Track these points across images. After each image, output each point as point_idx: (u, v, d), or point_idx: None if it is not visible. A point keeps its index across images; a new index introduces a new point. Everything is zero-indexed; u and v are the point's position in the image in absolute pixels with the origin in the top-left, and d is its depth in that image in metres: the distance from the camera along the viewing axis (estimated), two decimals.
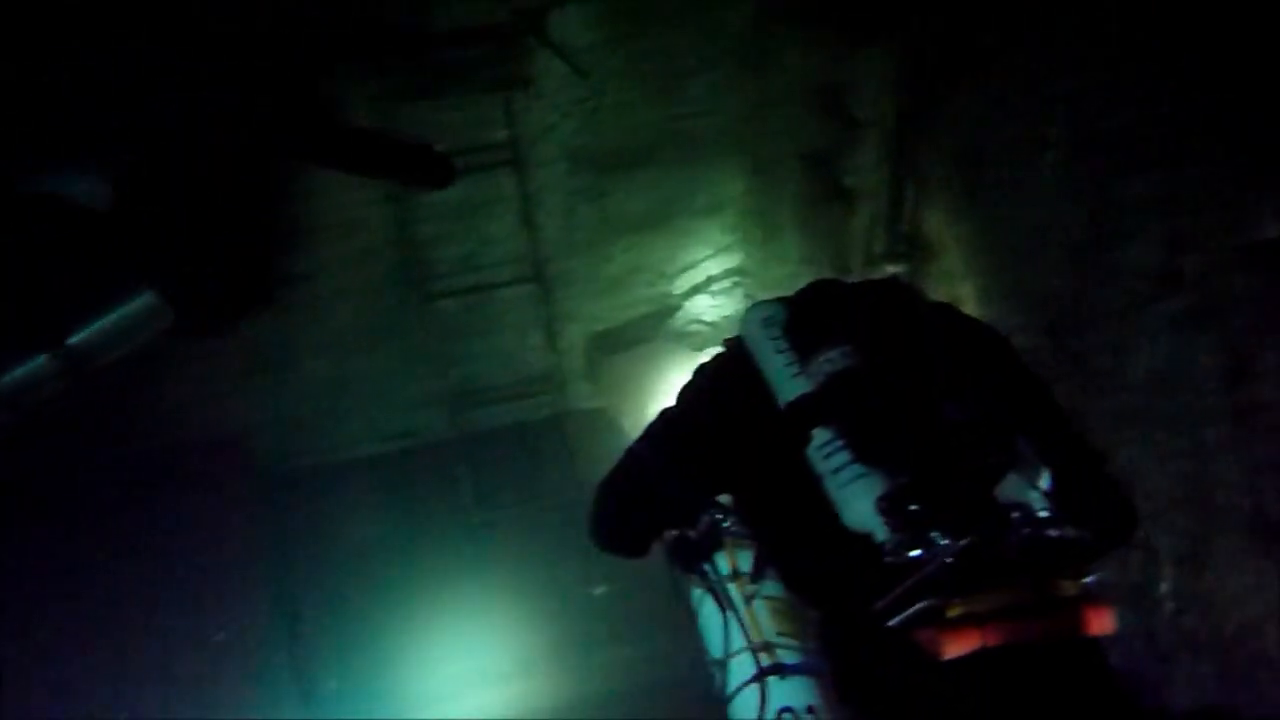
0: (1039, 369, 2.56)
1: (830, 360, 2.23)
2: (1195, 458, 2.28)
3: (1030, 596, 1.85)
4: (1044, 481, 1.91)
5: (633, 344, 5.81)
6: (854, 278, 2.70)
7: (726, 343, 2.48)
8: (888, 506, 2.01)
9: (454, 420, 5.36)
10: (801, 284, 2.47)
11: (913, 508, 1.97)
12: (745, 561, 2.50)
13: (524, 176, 4.88)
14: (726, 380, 2.48)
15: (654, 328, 5.80)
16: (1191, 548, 2.31)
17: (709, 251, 5.63)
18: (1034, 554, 1.84)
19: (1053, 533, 1.86)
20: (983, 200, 3.14)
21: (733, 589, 2.45)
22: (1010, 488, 1.91)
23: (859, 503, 2.04)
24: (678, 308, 5.75)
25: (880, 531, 1.98)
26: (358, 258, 4.81)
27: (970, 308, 3.29)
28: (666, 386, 2.99)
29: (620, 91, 4.90)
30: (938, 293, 3.52)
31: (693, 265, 5.65)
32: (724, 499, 2.48)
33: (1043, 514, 1.87)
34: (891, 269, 3.68)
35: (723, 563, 2.49)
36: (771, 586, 2.45)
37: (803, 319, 2.37)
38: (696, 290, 5.72)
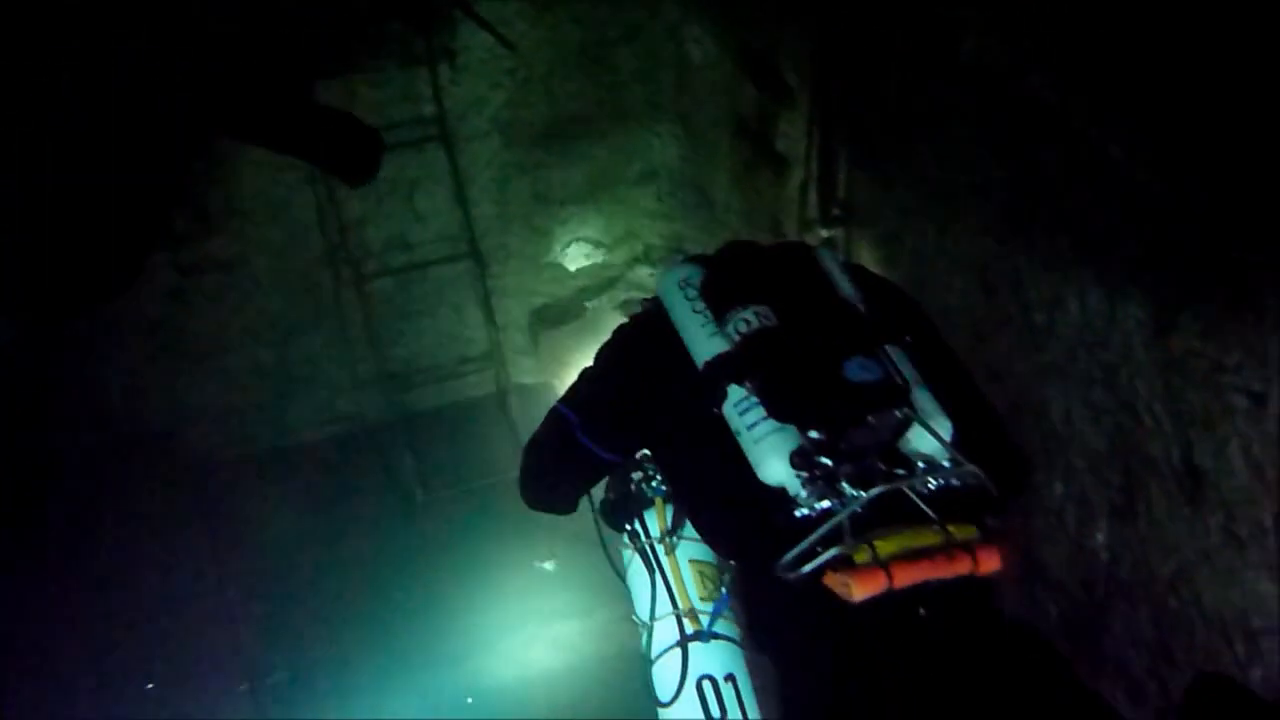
0: (977, 326, 2.60)
1: (745, 320, 2.32)
2: (1127, 411, 2.31)
3: (933, 540, 1.96)
4: (945, 433, 2.08)
5: (573, 316, 5.79)
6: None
7: (644, 304, 2.58)
8: (800, 461, 2.12)
9: (393, 402, 5.29)
10: None
11: (824, 461, 2.09)
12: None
13: (454, 151, 4.81)
14: (645, 340, 2.59)
15: (594, 299, 5.78)
16: (1126, 499, 2.35)
17: (646, 221, 5.62)
18: (937, 501, 1.98)
19: (954, 481, 2.01)
20: (914, 166, 3.15)
21: (661, 550, 2.51)
22: (915, 440, 2.08)
23: (773, 458, 2.14)
24: (618, 278, 5.73)
25: (793, 485, 2.10)
26: (287, 241, 4.71)
27: (905, 269, 3.31)
28: None
29: (549, 62, 4.85)
30: (874, 255, 3.53)
31: (630, 235, 5.63)
32: (646, 456, 2.58)
33: (945, 463, 2.04)
34: (826, 234, 3.67)
35: (652, 523, 2.55)
36: (700, 549, 2.52)
37: (719, 280, 2.43)
38: (635, 260, 5.71)
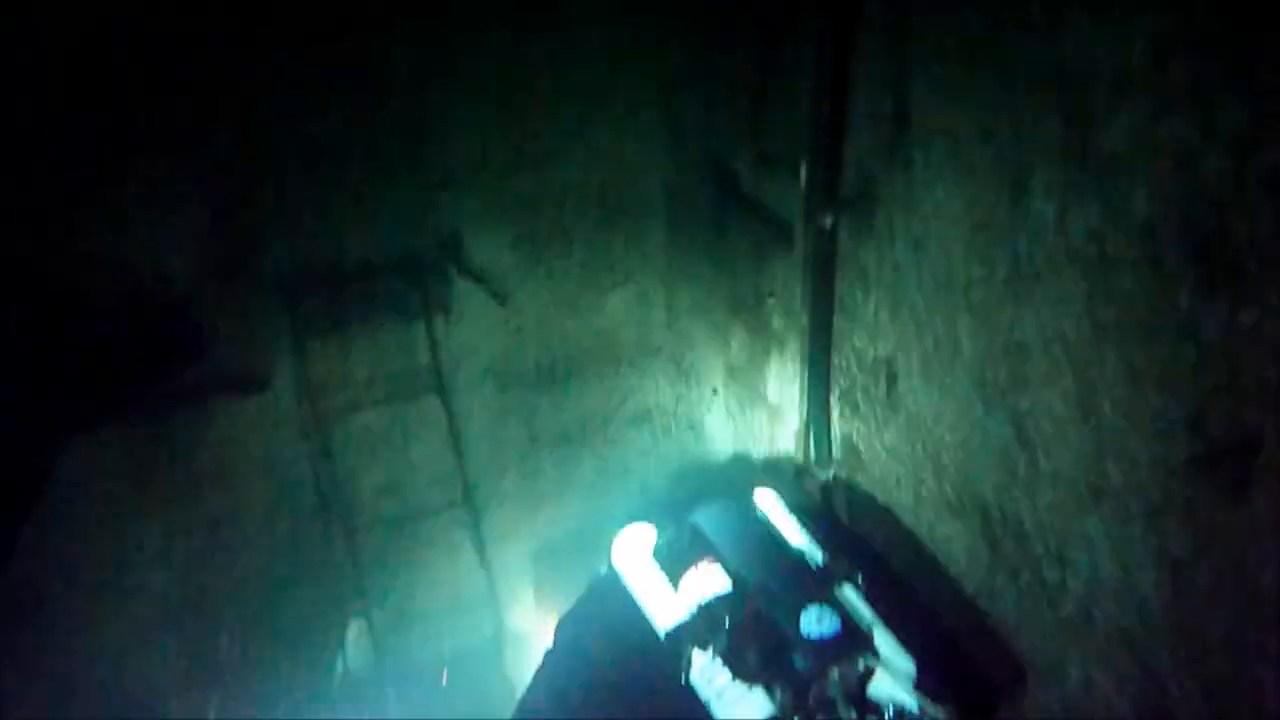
0: (984, 578, 2.50)
1: (701, 584, 2.43)
2: (1151, 677, 2.19)
3: None
4: (909, 673, 2.14)
5: (573, 555, 5.67)
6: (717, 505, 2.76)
7: (599, 572, 2.63)
8: None
9: (383, 651, 5.10)
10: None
11: None
12: None
13: (449, 399, 4.82)
14: (604, 612, 2.62)
15: (592, 539, 5.67)
16: None
17: (640, 461, 5.59)
18: None
19: None
20: (905, 408, 3.14)
21: None
22: (881, 683, 2.13)
23: None
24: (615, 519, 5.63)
25: None
26: (276, 496, 4.64)
27: (906, 514, 3.24)
28: None
29: (541, 311, 4.93)
30: (872, 498, 3.46)
31: (625, 473, 5.59)
32: None
33: (912, 707, 2.11)
34: (824, 476, 3.62)
35: None
36: None
37: (671, 545, 2.54)
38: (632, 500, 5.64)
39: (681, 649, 2.36)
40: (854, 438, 3.52)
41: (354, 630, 5.15)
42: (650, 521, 2.59)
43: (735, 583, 2.45)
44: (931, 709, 2.13)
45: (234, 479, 4.42)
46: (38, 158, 3.48)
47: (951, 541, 2.98)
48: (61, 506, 3.80)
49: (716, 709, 2.23)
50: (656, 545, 2.58)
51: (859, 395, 3.43)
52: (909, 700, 2.15)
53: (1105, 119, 2.07)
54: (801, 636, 2.31)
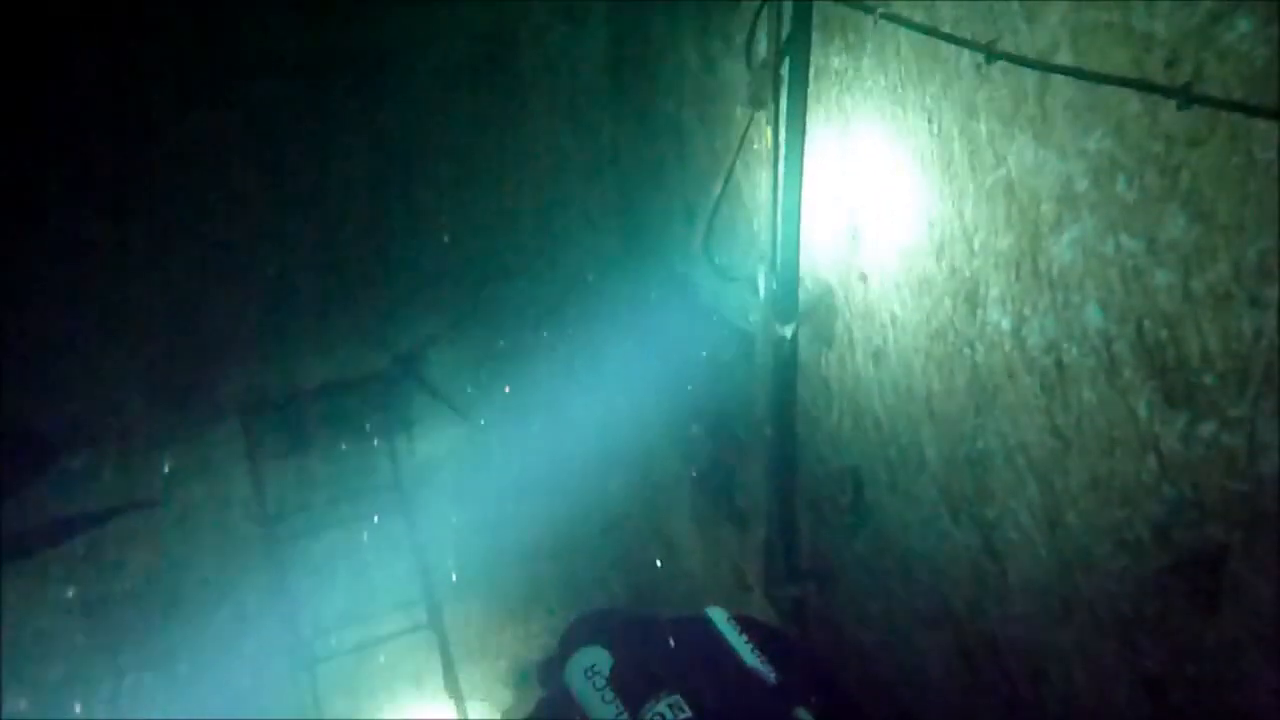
0: (961, 695, 2.45)
1: (660, 714, 2.40)
2: None
3: None
4: None
5: (541, 677, 5.52)
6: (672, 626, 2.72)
7: (551, 694, 2.61)
8: None
9: None
10: None
11: None
12: None
13: (412, 519, 4.74)
14: None
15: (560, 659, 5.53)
16: None
17: (611, 573, 5.50)
18: None
19: None
20: (874, 522, 3.12)
21: None
22: None
23: None
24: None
25: None
26: (233, 626, 4.50)
27: (878, 630, 3.18)
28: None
29: (504, 425, 4.90)
30: (844, 613, 3.41)
31: (597, 583, 5.49)
32: None
33: None
34: (795, 590, 3.57)
35: None
36: None
37: (627, 672, 2.48)
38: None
39: None
40: (823, 547, 3.48)
41: None
42: (604, 643, 2.53)
43: (693, 713, 2.43)
44: None
45: (188, 606, 4.28)
46: None
47: (929, 654, 2.92)
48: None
49: None
50: (612, 671, 2.50)
51: (826, 504, 3.40)
52: None
53: (1052, 234, 2.10)
54: None
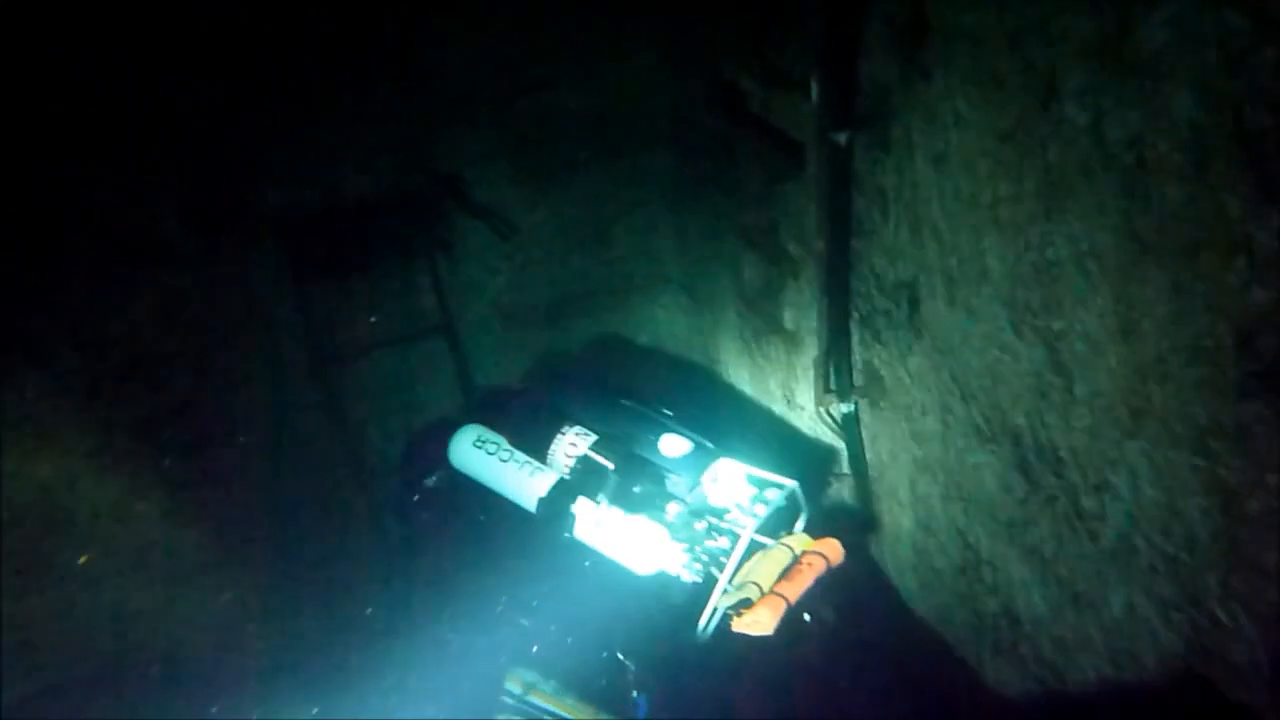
0: (1018, 508, 2.40)
1: (571, 443, 2.68)
2: (1198, 607, 2.09)
3: (786, 557, 2.49)
4: (758, 469, 2.73)
5: None
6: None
7: (439, 480, 2.87)
8: (675, 539, 2.49)
9: None
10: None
11: (692, 532, 2.51)
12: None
13: (456, 338, 4.71)
14: (462, 512, 2.85)
15: None
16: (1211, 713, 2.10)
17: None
18: (769, 527, 2.73)
19: (781, 503, 2.71)
20: (931, 334, 3.02)
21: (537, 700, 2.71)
22: (735, 484, 2.72)
23: (649, 548, 2.47)
24: None
25: (673, 564, 2.48)
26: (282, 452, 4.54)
27: (934, 444, 3.13)
28: None
29: (546, 244, 4.80)
30: (897, 428, 3.35)
31: None
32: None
33: (768, 495, 2.75)
34: (845, 408, 3.52)
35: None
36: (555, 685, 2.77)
37: (524, 423, 2.75)
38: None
39: (563, 507, 2.59)
40: (876, 364, 3.40)
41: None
42: (476, 422, 2.87)
43: (600, 436, 2.74)
44: (788, 488, 2.65)
45: (238, 432, 4.32)
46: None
47: (982, 469, 2.87)
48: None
49: (613, 550, 2.52)
50: (508, 430, 2.82)
51: (880, 321, 3.30)
52: (766, 490, 2.65)
53: (1143, 13, 1.90)
54: (666, 459, 2.65)
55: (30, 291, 3.49)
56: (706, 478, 2.68)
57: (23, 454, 3.54)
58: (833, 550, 2.54)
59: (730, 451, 2.76)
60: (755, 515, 2.56)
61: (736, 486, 2.67)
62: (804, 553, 2.52)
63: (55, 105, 3.38)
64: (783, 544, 2.52)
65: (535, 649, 2.81)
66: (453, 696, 2.77)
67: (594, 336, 5.14)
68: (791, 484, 2.64)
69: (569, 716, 2.70)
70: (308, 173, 4.09)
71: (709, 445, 2.68)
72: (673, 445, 2.67)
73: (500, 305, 4.89)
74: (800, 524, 2.71)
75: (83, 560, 3.71)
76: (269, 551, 4.35)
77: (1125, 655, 2.37)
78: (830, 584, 2.52)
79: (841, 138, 3.10)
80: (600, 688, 2.72)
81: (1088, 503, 2.39)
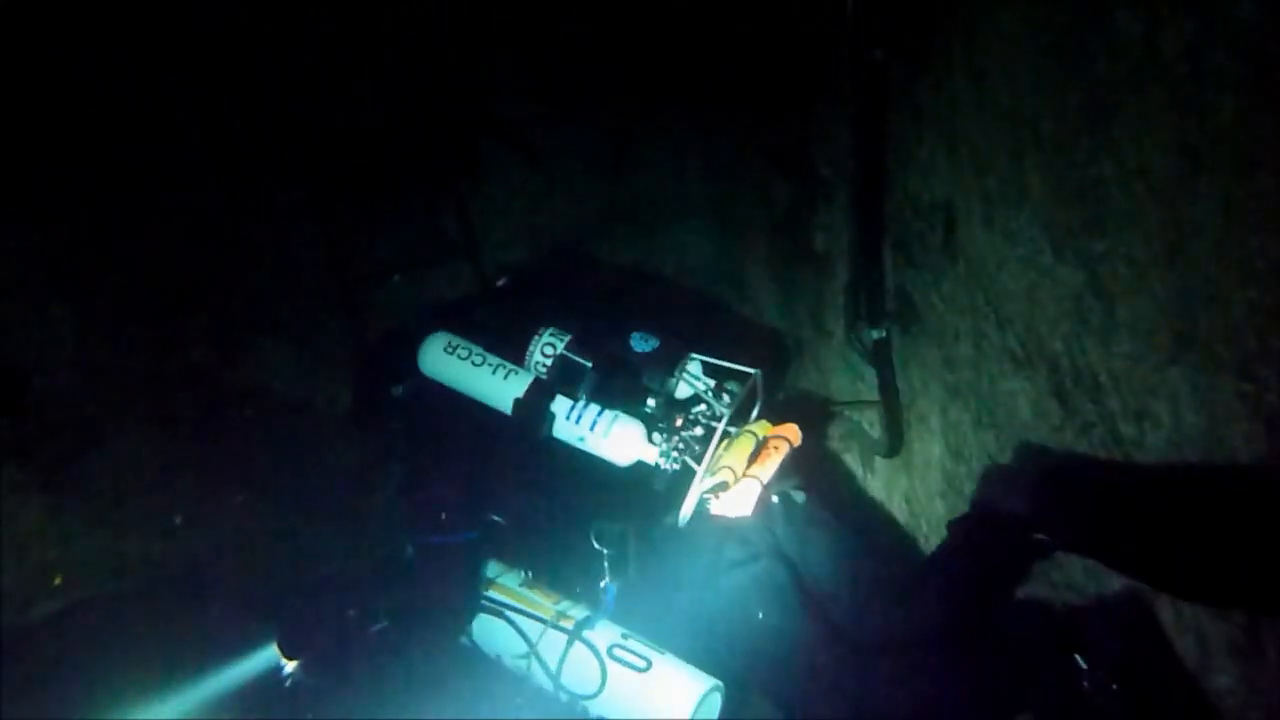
0: (1053, 436, 2.35)
1: (549, 344, 2.71)
2: None
3: (751, 441, 2.67)
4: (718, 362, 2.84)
5: None
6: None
7: (407, 389, 2.85)
8: (653, 430, 2.61)
9: None
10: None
11: (667, 423, 2.63)
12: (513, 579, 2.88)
13: (481, 262, 4.66)
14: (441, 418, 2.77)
15: None
16: (1250, 639, 2.06)
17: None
18: (736, 416, 2.85)
19: (742, 392, 2.84)
20: (967, 256, 2.94)
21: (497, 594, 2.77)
22: (701, 377, 2.85)
23: (627, 439, 2.58)
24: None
25: (650, 454, 2.59)
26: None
27: (966, 371, 3.07)
28: None
29: (570, 166, 4.72)
30: (930, 354, 3.29)
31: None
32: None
33: (732, 385, 2.88)
34: (876, 334, 3.44)
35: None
36: (515, 576, 2.84)
37: (500, 327, 2.79)
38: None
39: (542, 407, 2.62)
40: (908, 289, 3.32)
41: None
42: (442, 330, 2.86)
43: (573, 335, 2.78)
44: (751, 376, 2.76)
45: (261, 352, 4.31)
46: None
47: (1017, 396, 2.81)
48: None
49: (589, 442, 2.60)
50: (484, 335, 2.83)
51: (914, 244, 3.22)
52: (729, 382, 2.76)
53: None
54: (639, 354, 2.69)
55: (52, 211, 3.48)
56: (676, 371, 2.76)
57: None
58: (793, 433, 2.68)
59: (694, 346, 2.88)
60: (725, 405, 2.68)
61: (704, 378, 2.78)
62: (768, 437, 2.65)
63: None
64: (748, 430, 2.65)
65: (511, 543, 2.88)
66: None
67: (619, 264, 5.07)
68: (754, 373, 2.77)
69: (525, 609, 2.75)
70: (331, 92, 4.01)
71: (675, 340, 2.78)
72: (642, 341, 2.74)
73: (524, 229, 4.82)
74: (756, 411, 2.86)
75: (57, 581, 3.73)
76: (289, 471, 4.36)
77: None
78: (793, 465, 2.67)
79: (877, 53, 2.99)
80: (569, 577, 2.79)
81: (1126, 429, 2.33)
